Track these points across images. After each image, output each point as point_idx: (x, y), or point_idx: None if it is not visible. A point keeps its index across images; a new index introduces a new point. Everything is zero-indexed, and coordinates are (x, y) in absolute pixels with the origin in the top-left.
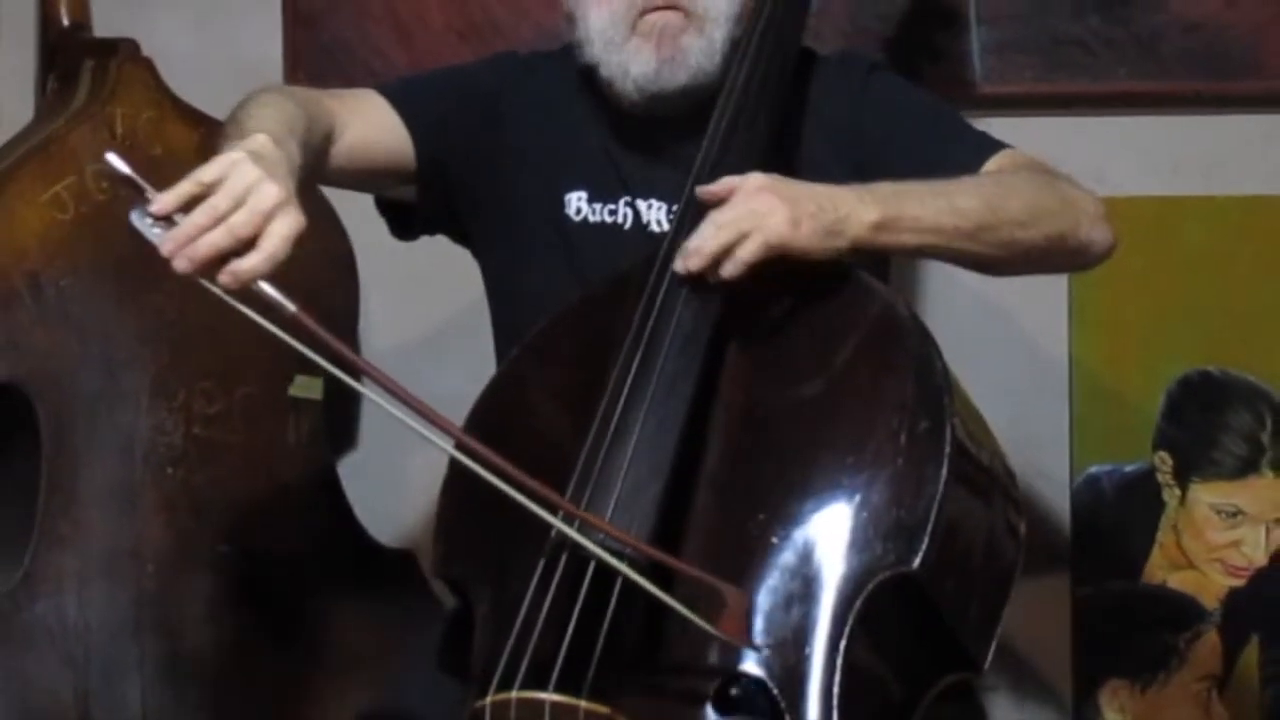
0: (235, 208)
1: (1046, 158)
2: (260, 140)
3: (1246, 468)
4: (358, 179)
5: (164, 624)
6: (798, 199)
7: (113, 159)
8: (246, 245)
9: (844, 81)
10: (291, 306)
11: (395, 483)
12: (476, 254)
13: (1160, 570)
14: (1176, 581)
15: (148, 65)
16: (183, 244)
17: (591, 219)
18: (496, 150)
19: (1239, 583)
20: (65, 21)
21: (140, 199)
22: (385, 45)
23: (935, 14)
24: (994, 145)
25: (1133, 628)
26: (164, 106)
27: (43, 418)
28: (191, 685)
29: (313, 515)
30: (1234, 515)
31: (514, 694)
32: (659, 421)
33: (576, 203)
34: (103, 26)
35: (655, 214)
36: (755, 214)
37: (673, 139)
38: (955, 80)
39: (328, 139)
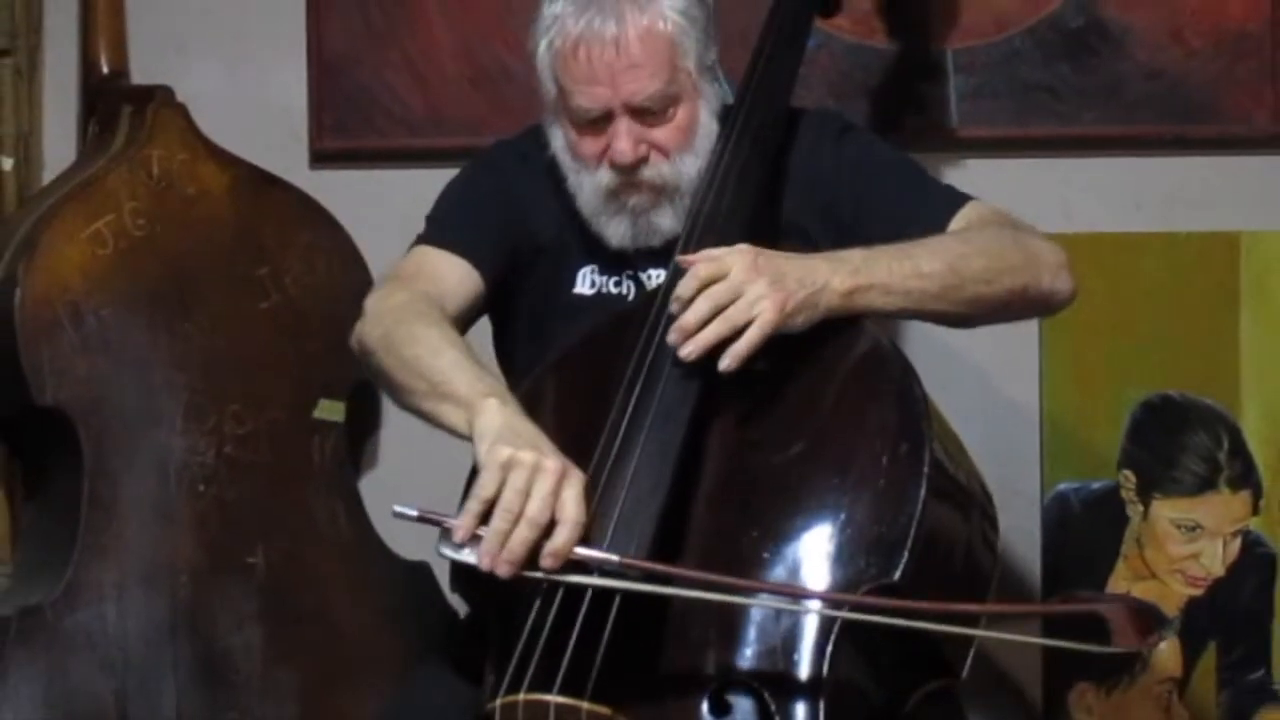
0: (526, 501)
1: (1018, 196)
2: (492, 410)
3: (1205, 485)
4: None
5: (197, 630)
6: (782, 276)
7: (402, 510)
8: (549, 528)
9: (819, 140)
10: (613, 558)
11: (412, 499)
12: (495, 320)
13: (1124, 581)
14: (1140, 591)
15: (182, 110)
16: (497, 554)
17: (603, 290)
18: (521, 237)
19: (1198, 592)
20: (105, 69)
21: (441, 529)
22: (403, 92)
23: (915, 64)
24: (960, 199)
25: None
26: (197, 149)
27: (84, 439)
28: (222, 687)
29: (335, 529)
30: (1193, 529)
31: (521, 696)
32: (658, 445)
33: (590, 275)
34: (140, 74)
35: (654, 282)
36: (747, 305)
37: None
38: (934, 124)
39: None
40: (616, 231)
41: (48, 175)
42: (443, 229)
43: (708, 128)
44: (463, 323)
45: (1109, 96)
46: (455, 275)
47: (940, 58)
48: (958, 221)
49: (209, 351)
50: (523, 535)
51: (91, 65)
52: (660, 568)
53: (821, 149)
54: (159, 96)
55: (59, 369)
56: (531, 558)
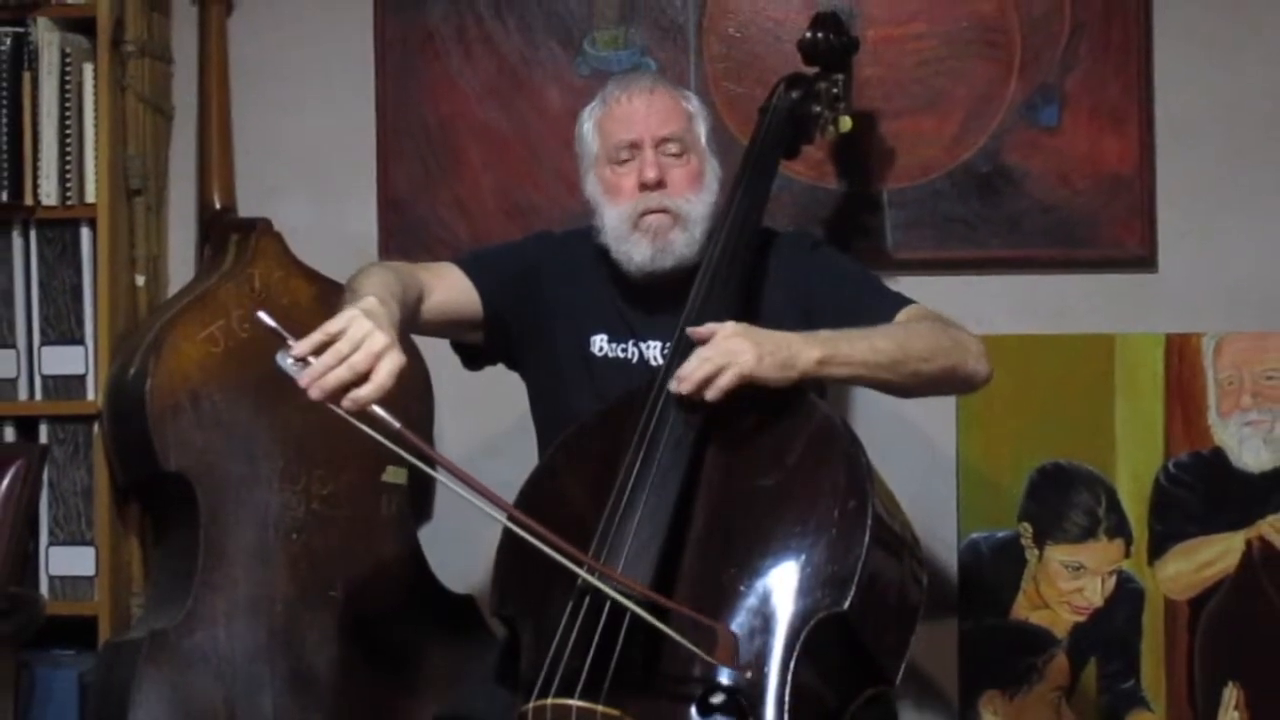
0: (354, 351)
1: (941, 306)
2: (370, 301)
3: (1087, 534)
4: (441, 329)
5: (289, 650)
6: (761, 341)
7: (262, 316)
8: (362, 378)
9: (794, 253)
10: (396, 423)
11: (461, 546)
12: (524, 376)
13: (1023, 609)
14: (1036, 618)
15: (278, 237)
16: (316, 378)
17: (610, 355)
18: (539, 305)
19: (1082, 619)
20: (217, 205)
21: (283, 345)
22: (452, 222)
23: (858, 201)
24: (904, 301)
25: (1003, 652)
26: (290, 268)
27: (201, 497)
28: (310, 695)
29: (399, 569)
30: (1078, 569)
31: (549, 701)
32: (657, 501)
33: (599, 343)
34: (245, 209)
35: (654, 352)
36: (730, 352)
37: (667, 296)
38: (874, 249)
39: (419, 300)
40: (639, 250)
41: (172, 289)
42: (470, 258)
43: (711, 184)
44: (441, 319)
45: (1011, 227)
46: (457, 285)
47: (878, 196)
48: (901, 317)
49: (299, 428)
50: (340, 374)
51: (206, 202)
52: (665, 603)
53: (796, 258)
54: (260, 226)
55: (181, 442)
56: (337, 397)
